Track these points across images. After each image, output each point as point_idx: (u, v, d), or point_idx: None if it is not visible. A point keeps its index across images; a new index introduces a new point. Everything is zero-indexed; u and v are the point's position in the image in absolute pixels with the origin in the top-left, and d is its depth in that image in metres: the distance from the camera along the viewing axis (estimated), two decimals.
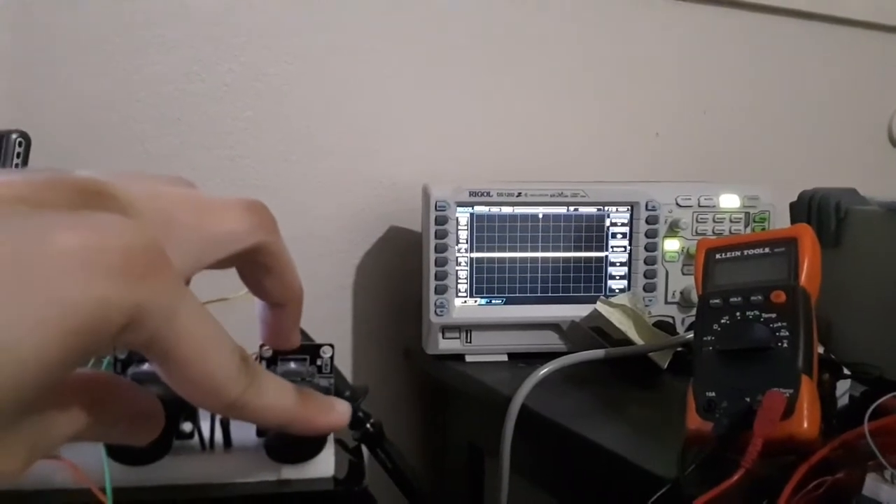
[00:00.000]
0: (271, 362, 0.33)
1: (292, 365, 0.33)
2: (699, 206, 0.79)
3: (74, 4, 0.75)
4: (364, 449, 0.42)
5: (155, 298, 0.19)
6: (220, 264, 0.24)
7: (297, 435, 0.31)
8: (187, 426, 0.34)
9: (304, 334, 0.45)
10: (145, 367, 0.34)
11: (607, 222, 0.79)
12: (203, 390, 0.21)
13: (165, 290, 0.20)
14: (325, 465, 0.33)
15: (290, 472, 0.32)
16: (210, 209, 0.23)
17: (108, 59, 0.77)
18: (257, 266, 0.25)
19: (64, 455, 0.32)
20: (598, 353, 0.70)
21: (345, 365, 0.93)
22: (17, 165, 0.49)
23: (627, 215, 0.79)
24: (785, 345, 0.49)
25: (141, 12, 0.78)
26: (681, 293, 0.79)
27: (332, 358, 0.34)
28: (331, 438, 0.34)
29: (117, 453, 0.32)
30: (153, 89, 0.80)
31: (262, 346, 0.33)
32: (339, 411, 0.26)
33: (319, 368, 0.34)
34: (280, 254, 0.26)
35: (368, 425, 0.38)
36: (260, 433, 0.31)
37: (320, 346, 0.34)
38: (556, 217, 0.78)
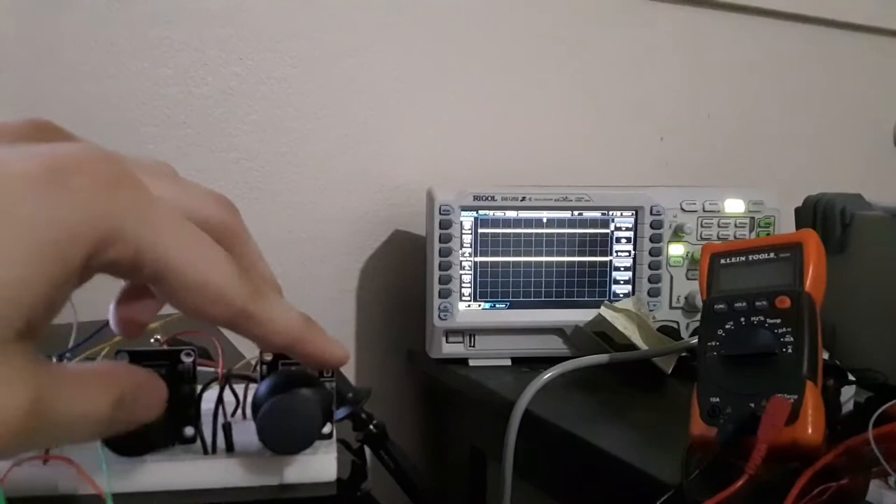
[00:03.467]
0: (272, 366, 0.34)
1: (293, 368, 0.33)
2: (704, 210, 0.79)
3: (79, 6, 0.76)
4: (367, 451, 0.42)
5: (126, 208, 0.19)
6: None
7: (292, 421, 0.30)
8: (189, 430, 0.34)
9: None
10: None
11: (612, 227, 0.79)
12: (207, 296, 0.20)
13: (136, 200, 0.19)
14: (327, 467, 0.33)
15: (293, 475, 0.32)
16: (185, 183, 0.23)
17: (112, 62, 0.78)
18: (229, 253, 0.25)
19: (55, 452, 0.32)
20: (601, 357, 0.70)
21: (348, 368, 0.93)
22: None
23: (632, 220, 0.79)
24: (789, 350, 0.49)
25: (145, 14, 0.79)
26: (685, 298, 0.79)
27: None
28: (333, 438, 0.34)
29: (113, 444, 0.32)
30: (158, 92, 0.80)
31: (262, 352, 0.34)
32: (341, 347, 0.25)
33: (321, 372, 0.34)
34: (249, 241, 0.26)
35: (371, 426, 0.38)
36: (259, 429, 0.31)
37: None
38: (561, 221, 0.78)
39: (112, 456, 0.31)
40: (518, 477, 0.65)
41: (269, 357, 0.33)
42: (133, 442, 0.31)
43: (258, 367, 0.34)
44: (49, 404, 0.18)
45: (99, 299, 0.49)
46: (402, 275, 0.93)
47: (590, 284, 0.79)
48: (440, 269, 0.77)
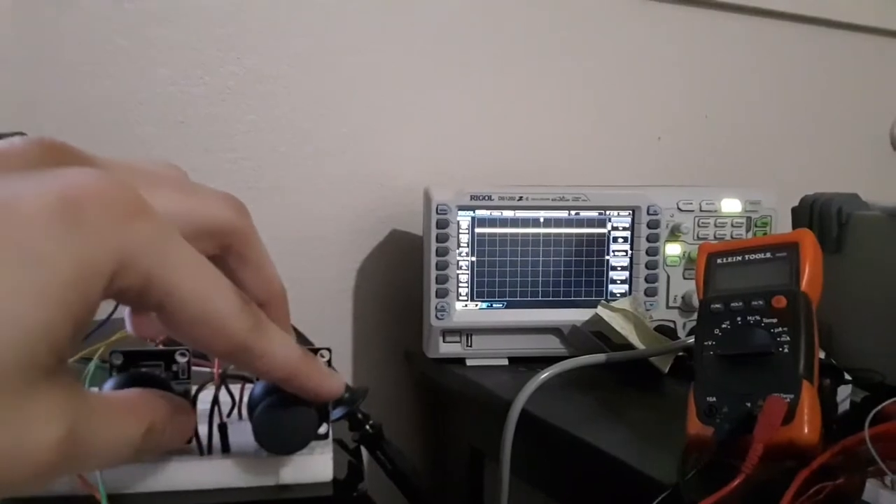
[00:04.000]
0: None
1: None
2: (701, 210, 0.79)
3: (78, 5, 0.76)
4: (364, 451, 0.42)
5: (140, 238, 0.19)
6: (197, 247, 0.24)
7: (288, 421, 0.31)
8: None
9: (301, 337, 0.45)
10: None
11: (608, 226, 0.79)
12: (211, 328, 0.21)
13: (150, 230, 0.19)
14: (323, 468, 0.32)
15: (289, 476, 0.32)
16: (193, 188, 0.24)
17: (109, 61, 0.78)
18: (234, 255, 0.25)
19: None
20: (599, 357, 0.70)
21: (345, 367, 0.93)
22: None
23: (629, 219, 0.79)
24: (786, 350, 0.49)
25: (143, 13, 0.78)
26: (682, 297, 0.79)
27: (329, 361, 0.34)
28: (330, 439, 0.34)
29: None
30: (155, 91, 0.80)
31: None
32: (337, 380, 0.25)
33: None
34: (257, 244, 0.26)
35: (368, 426, 0.38)
36: (253, 424, 0.31)
37: (318, 349, 0.34)
38: (558, 221, 0.78)
39: None
40: (516, 477, 0.65)
41: None
42: None
43: None
44: (82, 435, 0.19)
45: None
46: (399, 274, 0.93)
47: (587, 284, 0.79)
48: (437, 268, 0.77)
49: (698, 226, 0.79)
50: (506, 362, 0.80)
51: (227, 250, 0.25)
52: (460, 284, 0.77)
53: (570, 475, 0.66)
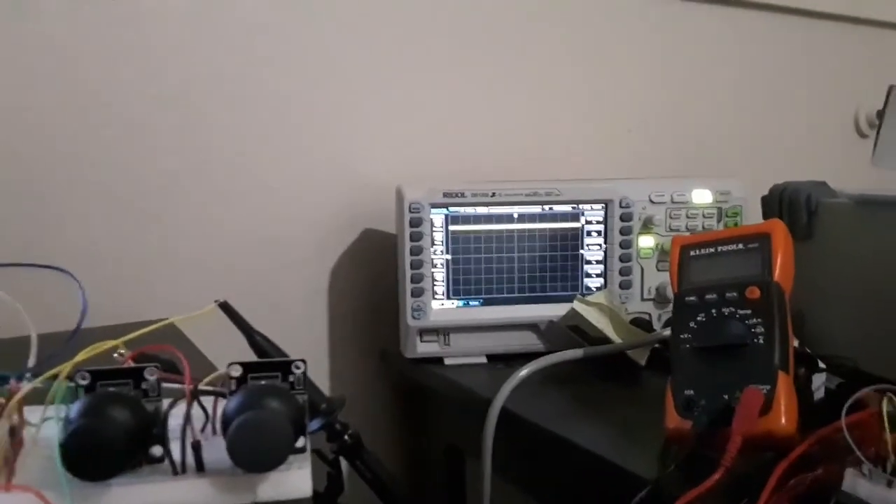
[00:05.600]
0: (241, 381, 0.33)
1: (263, 383, 0.32)
2: (672, 202, 0.80)
3: (40, 9, 0.73)
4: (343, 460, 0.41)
5: None
6: None
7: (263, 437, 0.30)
8: (157, 450, 0.32)
9: (277, 349, 0.44)
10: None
11: (582, 220, 0.79)
12: None
13: None
14: (302, 482, 0.32)
15: (267, 492, 0.31)
16: None
17: (70, 65, 0.75)
18: None
19: (17, 482, 0.31)
20: (576, 352, 0.70)
21: (321, 370, 0.92)
22: None
23: (602, 213, 0.79)
24: (761, 341, 0.49)
25: (107, 15, 0.76)
26: (656, 289, 0.80)
27: (304, 373, 0.33)
28: (308, 452, 0.34)
29: (75, 467, 0.30)
30: (119, 93, 0.78)
31: (230, 365, 0.33)
32: None
33: (292, 385, 0.33)
34: None
35: (346, 437, 0.37)
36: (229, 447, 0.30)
37: (292, 361, 0.33)
38: (532, 216, 0.78)
39: (76, 481, 0.30)
40: (497, 475, 0.65)
41: (237, 372, 0.32)
42: (97, 465, 0.30)
43: (228, 382, 0.33)
44: None
45: (60, 307, 0.48)
46: (373, 273, 0.92)
47: (562, 279, 0.79)
48: (412, 267, 0.76)
49: (670, 217, 0.80)
50: (484, 360, 0.79)
51: None
52: (436, 283, 0.77)
53: (551, 472, 0.66)
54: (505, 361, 0.77)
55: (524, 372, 0.66)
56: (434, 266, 0.77)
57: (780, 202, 0.72)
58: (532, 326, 0.79)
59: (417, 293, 0.76)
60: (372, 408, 0.95)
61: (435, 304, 0.77)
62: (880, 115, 0.69)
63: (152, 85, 0.79)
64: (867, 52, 1.34)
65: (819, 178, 0.73)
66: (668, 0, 1.13)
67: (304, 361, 0.33)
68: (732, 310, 0.51)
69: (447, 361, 0.79)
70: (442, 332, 0.78)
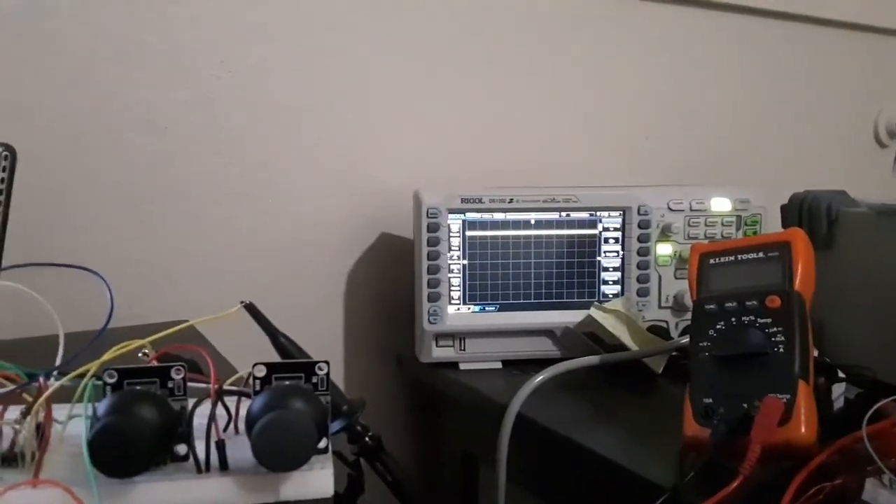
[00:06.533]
0: (265, 381, 0.33)
1: (287, 383, 0.33)
2: (691, 210, 0.79)
3: (56, 13, 0.74)
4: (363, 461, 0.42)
5: None
6: None
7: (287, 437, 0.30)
8: (181, 448, 0.33)
9: (300, 351, 0.44)
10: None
11: (599, 227, 0.79)
12: None
13: None
14: (324, 483, 0.32)
15: (289, 492, 0.32)
16: None
17: (91, 68, 0.76)
18: None
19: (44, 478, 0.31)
20: (592, 359, 0.70)
21: (337, 373, 0.92)
22: (2, 180, 0.48)
23: (619, 220, 0.79)
24: (781, 350, 0.49)
25: (121, 19, 0.77)
26: (674, 297, 0.79)
27: (327, 374, 0.33)
28: (329, 453, 0.34)
29: (102, 464, 0.31)
30: (137, 97, 0.79)
31: (255, 366, 0.33)
32: None
33: (315, 386, 0.33)
34: None
35: (367, 438, 0.38)
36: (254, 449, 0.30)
37: (315, 362, 0.33)
38: (549, 223, 0.78)
39: (102, 478, 0.30)
40: (511, 481, 0.65)
41: (261, 372, 0.33)
42: (123, 462, 0.30)
43: (251, 382, 0.33)
44: None
45: (84, 307, 0.49)
46: (390, 278, 0.93)
47: (579, 286, 0.79)
48: (429, 272, 0.76)
49: (689, 225, 0.79)
50: (499, 365, 0.79)
51: None
52: (452, 288, 0.77)
53: (566, 479, 0.66)
54: (520, 367, 0.77)
55: (540, 378, 0.66)
56: (451, 271, 0.77)
57: (800, 211, 0.71)
58: (548, 333, 0.79)
59: (434, 298, 0.76)
60: (388, 412, 0.95)
61: (451, 309, 0.77)
62: None
63: (169, 90, 0.80)
64: (888, 62, 1.33)
65: (838, 188, 0.72)
66: (687, 8, 1.13)
67: (327, 363, 0.33)
68: (752, 318, 0.51)
69: (462, 366, 0.79)
70: (458, 336, 0.78)
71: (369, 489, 0.43)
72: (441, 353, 0.79)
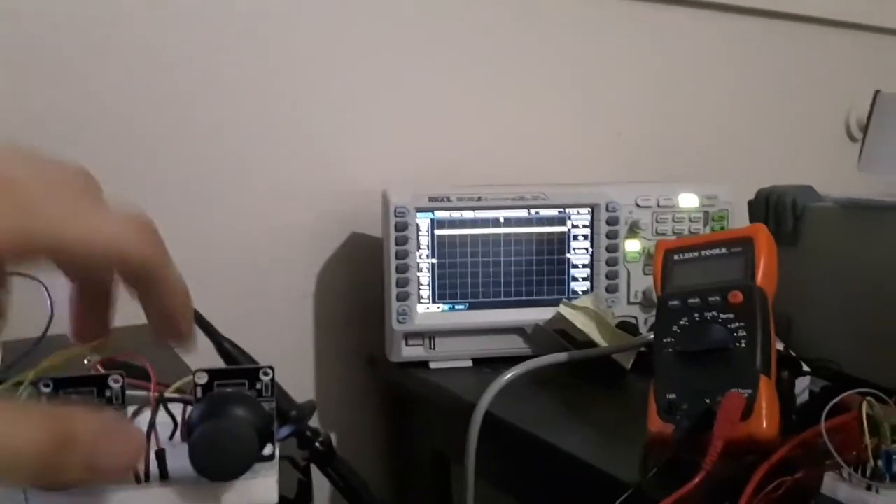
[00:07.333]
0: (207, 388, 0.32)
1: (228, 390, 0.32)
2: (658, 206, 0.79)
3: (20, 12, 0.73)
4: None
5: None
6: (91, 277, 0.22)
7: (225, 446, 0.29)
8: None
9: (246, 356, 0.43)
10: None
11: (568, 224, 0.79)
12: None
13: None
14: (268, 491, 0.31)
15: (232, 501, 0.31)
16: (93, 205, 0.22)
17: (63, 66, 0.75)
18: (139, 286, 0.23)
19: None
20: (561, 356, 0.69)
21: (308, 374, 0.91)
22: None
23: (588, 217, 0.79)
24: (743, 345, 0.49)
25: (88, 18, 0.76)
26: (643, 293, 0.79)
27: (272, 380, 0.32)
28: (276, 460, 0.33)
29: None
30: (102, 96, 0.77)
31: (195, 372, 0.32)
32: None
33: (259, 392, 0.32)
34: (166, 281, 0.24)
35: (317, 443, 0.37)
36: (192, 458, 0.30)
37: (259, 368, 0.33)
38: (518, 220, 0.78)
39: (32, 490, 0.29)
40: (482, 480, 0.64)
41: (203, 379, 0.32)
42: None
43: (193, 389, 0.32)
44: None
45: (21, 315, 0.47)
46: (360, 278, 0.92)
47: (548, 283, 0.79)
48: (397, 271, 0.75)
49: (657, 221, 0.79)
50: (470, 364, 0.79)
51: (130, 280, 0.23)
52: (421, 287, 0.76)
53: (536, 477, 0.66)
54: (491, 365, 0.76)
55: (508, 376, 0.66)
56: (419, 270, 0.76)
57: (766, 206, 0.71)
58: (518, 330, 0.78)
59: (403, 297, 0.76)
60: (360, 413, 0.95)
61: (420, 308, 0.77)
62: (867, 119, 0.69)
63: (135, 89, 0.79)
64: (859, 57, 1.34)
65: (810, 183, 0.73)
66: (658, 4, 1.13)
67: (271, 368, 0.32)
68: (715, 314, 0.51)
69: (432, 365, 0.78)
70: (427, 335, 0.78)
71: (332, 494, 0.42)
72: (411, 352, 0.78)
